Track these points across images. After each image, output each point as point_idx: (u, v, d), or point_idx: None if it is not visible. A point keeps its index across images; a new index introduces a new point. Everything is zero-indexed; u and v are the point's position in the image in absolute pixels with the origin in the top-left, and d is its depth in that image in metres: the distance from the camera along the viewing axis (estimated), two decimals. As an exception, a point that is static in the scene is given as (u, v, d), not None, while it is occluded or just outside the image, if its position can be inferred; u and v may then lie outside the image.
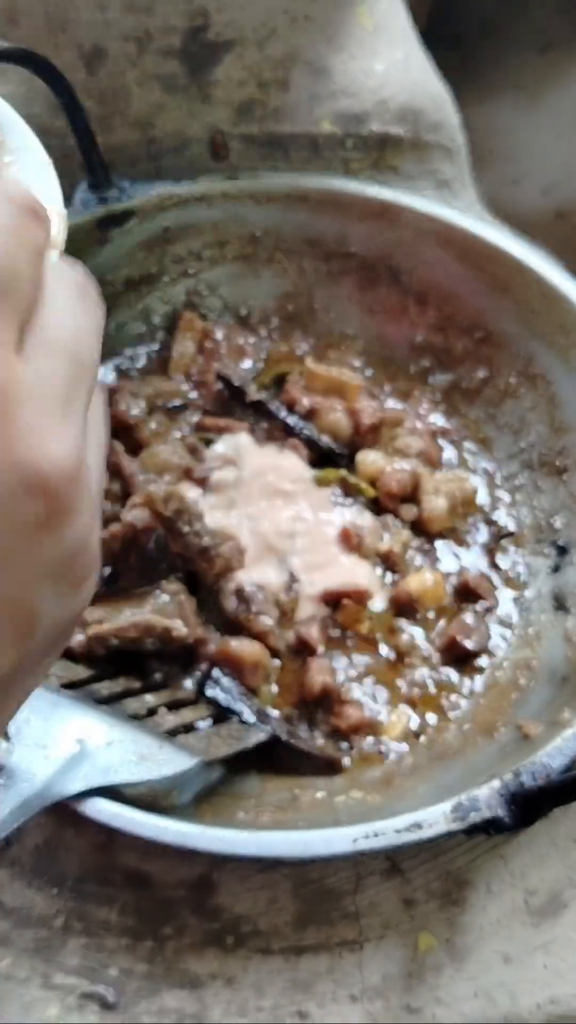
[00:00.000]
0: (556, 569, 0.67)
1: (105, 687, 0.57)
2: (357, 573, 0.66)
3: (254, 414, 0.74)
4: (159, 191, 0.74)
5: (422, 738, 0.60)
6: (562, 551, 0.68)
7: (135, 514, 0.60)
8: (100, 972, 0.51)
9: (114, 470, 0.69)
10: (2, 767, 0.48)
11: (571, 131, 1.22)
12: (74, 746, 0.49)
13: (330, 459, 0.72)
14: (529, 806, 0.47)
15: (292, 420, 0.73)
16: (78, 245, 0.72)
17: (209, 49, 0.77)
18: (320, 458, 0.72)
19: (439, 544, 0.70)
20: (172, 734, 0.55)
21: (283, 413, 0.73)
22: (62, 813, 0.48)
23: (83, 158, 0.71)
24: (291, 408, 0.74)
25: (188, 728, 0.57)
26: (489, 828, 0.47)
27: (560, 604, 0.65)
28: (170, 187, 0.75)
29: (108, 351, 0.77)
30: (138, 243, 0.75)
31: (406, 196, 0.77)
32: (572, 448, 0.70)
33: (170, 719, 0.56)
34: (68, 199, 0.73)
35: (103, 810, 0.48)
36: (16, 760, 0.48)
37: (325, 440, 0.72)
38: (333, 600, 0.65)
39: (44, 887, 0.52)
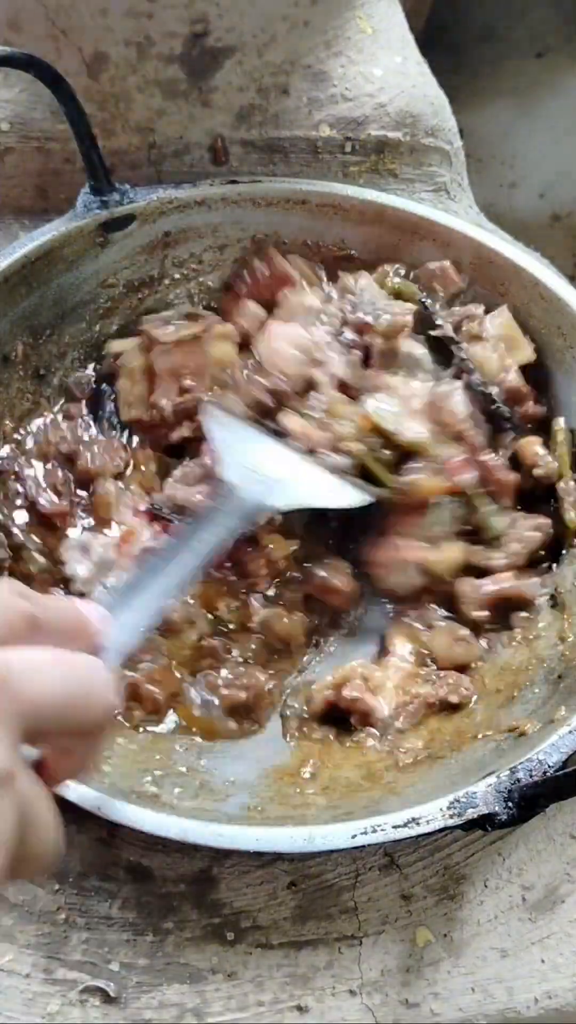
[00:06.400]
0: (550, 568, 0.68)
1: (272, 423, 0.63)
2: None
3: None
4: (160, 195, 0.75)
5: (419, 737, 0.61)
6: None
7: None
8: (101, 967, 0.51)
9: None
10: (221, 482, 0.55)
11: (567, 135, 1.23)
12: (277, 471, 0.56)
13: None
14: (525, 802, 0.48)
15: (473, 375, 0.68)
16: (80, 248, 0.73)
17: (209, 55, 0.78)
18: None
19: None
20: None
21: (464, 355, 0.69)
22: (63, 810, 0.49)
23: (85, 162, 0.72)
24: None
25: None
26: (486, 824, 0.48)
27: (555, 602, 0.65)
28: (171, 191, 0.75)
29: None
30: (139, 246, 0.76)
31: (404, 200, 0.78)
32: (568, 449, 0.70)
33: (332, 459, 0.61)
34: (71, 203, 0.74)
35: (105, 806, 0.48)
36: (231, 476, 0.56)
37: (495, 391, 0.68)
38: None
39: (47, 882, 0.53)
